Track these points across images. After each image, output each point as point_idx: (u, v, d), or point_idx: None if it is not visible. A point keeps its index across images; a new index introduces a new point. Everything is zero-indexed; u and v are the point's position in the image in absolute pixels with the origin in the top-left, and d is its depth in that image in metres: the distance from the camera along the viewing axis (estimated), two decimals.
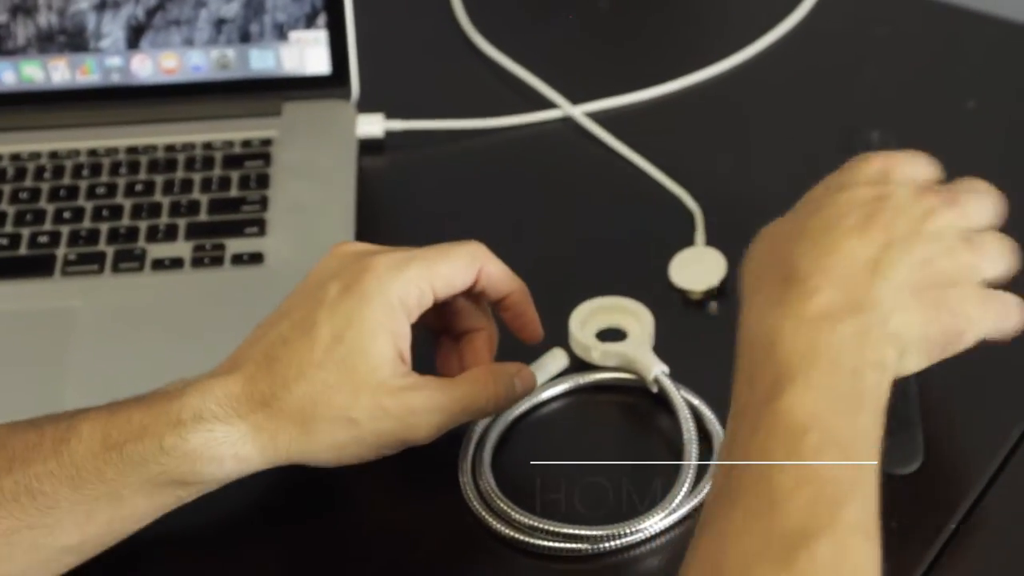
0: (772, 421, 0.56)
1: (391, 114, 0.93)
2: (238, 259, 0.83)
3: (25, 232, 0.85)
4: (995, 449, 0.71)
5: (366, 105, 0.93)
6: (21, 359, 0.79)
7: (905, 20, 1.00)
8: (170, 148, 0.90)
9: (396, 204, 0.91)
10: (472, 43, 0.99)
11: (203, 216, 0.86)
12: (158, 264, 0.83)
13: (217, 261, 0.83)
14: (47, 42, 0.91)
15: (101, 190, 0.87)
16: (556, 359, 0.76)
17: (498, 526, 0.69)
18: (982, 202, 0.65)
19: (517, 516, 0.68)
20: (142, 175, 0.88)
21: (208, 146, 0.90)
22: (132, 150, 0.90)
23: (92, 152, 0.90)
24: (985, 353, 0.76)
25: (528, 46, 0.98)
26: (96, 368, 0.78)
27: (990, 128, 0.91)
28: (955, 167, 0.88)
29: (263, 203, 0.86)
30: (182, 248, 0.84)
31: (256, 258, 0.83)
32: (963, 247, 0.63)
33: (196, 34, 0.91)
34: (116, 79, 0.92)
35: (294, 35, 0.91)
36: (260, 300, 0.71)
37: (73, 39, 0.91)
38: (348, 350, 0.65)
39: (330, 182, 0.88)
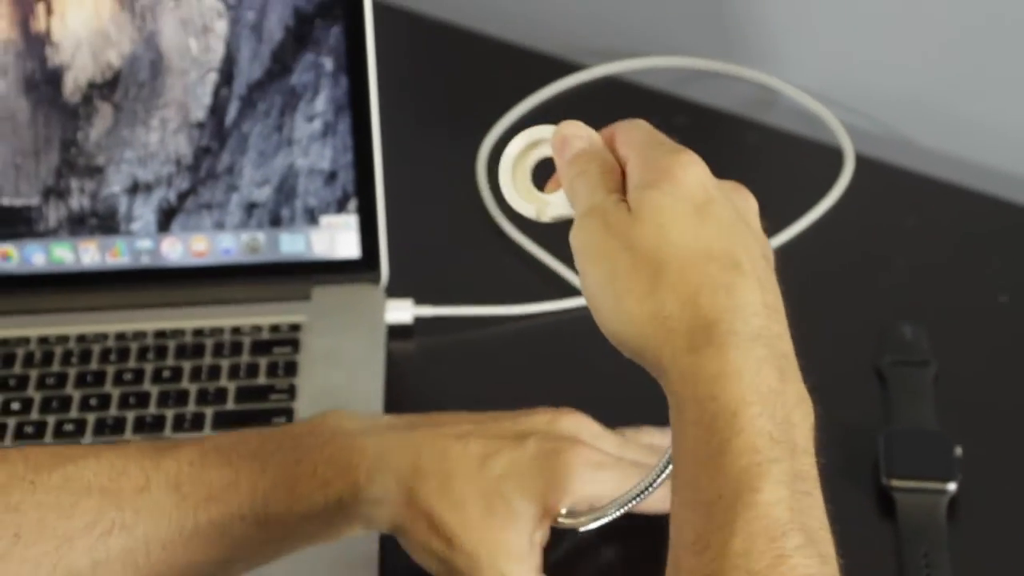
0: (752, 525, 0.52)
1: (420, 299, 0.93)
2: None
3: (51, 420, 0.84)
4: None
5: (394, 289, 0.93)
6: None
7: (935, 209, 1.00)
8: (198, 332, 0.89)
9: (424, 390, 0.90)
10: (500, 229, 0.99)
11: (230, 405, 0.85)
12: None
13: None
14: (78, 224, 0.91)
15: (128, 376, 0.87)
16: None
17: None
18: None
19: None
20: (170, 361, 0.88)
21: (236, 331, 0.89)
22: (160, 334, 0.90)
23: (120, 336, 0.89)
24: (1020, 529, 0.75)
25: (556, 233, 0.98)
26: None
27: (1022, 323, 0.91)
28: (987, 362, 0.88)
29: (291, 392, 0.86)
30: None
31: None
32: None
33: (227, 218, 0.91)
34: (146, 261, 0.92)
35: (325, 220, 0.92)
36: None
37: (104, 222, 0.91)
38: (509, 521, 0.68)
39: (358, 369, 0.87)
